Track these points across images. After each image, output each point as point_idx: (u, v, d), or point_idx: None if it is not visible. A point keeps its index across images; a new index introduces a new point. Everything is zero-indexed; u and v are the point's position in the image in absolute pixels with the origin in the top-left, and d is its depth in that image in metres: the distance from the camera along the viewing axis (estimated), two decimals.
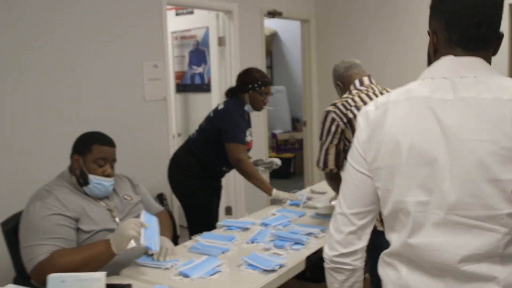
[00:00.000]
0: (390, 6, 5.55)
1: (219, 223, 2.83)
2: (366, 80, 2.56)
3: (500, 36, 1.24)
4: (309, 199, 3.27)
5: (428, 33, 1.30)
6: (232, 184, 4.86)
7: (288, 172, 7.66)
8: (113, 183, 2.40)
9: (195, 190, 3.41)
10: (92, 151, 2.33)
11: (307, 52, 6.06)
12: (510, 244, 1.13)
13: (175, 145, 4.91)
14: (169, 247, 2.37)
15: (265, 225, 2.73)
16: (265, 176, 3.97)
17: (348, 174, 1.35)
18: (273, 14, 5.23)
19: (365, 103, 2.41)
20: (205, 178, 3.42)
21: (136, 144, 3.85)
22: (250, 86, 3.31)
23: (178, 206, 4.07)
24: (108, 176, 2.35)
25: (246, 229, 2.71)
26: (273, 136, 7.81)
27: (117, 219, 2.36)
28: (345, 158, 2.38)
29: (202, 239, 2.55)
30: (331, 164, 2.43)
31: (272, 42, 8.16)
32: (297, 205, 3.12)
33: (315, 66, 6.10)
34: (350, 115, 2.38)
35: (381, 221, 1.59)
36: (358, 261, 1.36)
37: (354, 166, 1.33)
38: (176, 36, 5.38)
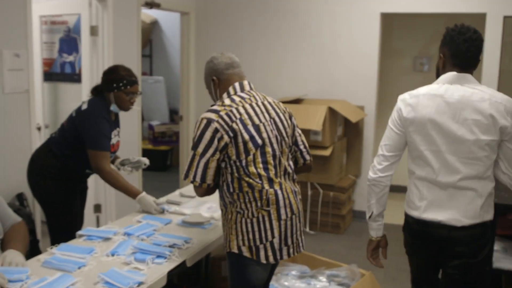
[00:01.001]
0: (265, 4, 5.64)
1: (79, 232, 2.69)
2: (246, 85, 2.40)
3: (479, 61, 2.33)
4: (177, 203, 3.22)
5: (440, 56, 2.37)
6: (101, 180, 4.65)
7: (164, 165, 7.54)
8: None
9: (56, 193, 3.21)
10: None
11: (186, 45, 5.96)
12: (486, 172, 2.26)
13: (41, 138, 4.61)
14: (13, 262, 2.21)
15: (128, 234, 2.64)
16: (134, 174, 3.82)
17: (388, 132, 2.40)
18: (150, 5, 5.07)
19: (249, 116, 2.27)
20: (67, 181, 3.23)
21: None
22: (115, 85, 3.14)
23: (39, 206, 3.82)
24: None
25: (107, 239, 2.59)
26: (150, 127, 7.63)
27: None
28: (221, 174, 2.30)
29: (58, 251, 2.40)
30: (210, 179, 2.26)
31: (152, 30, 7.93)
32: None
33: (193, 60, 6.03)
34: (236, 128, 2.22)
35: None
36: (388, 181, 2.41)
37: (393, 129, 2.38)
38: (46, 20, 5.02)
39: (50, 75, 5.11)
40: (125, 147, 4.86)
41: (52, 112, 5.15)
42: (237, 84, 2.39)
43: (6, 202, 3.54)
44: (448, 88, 2.27)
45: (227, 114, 2.25)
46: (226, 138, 2.22)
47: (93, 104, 3.17)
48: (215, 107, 2.30)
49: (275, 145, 2.33)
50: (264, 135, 2.29)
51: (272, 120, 2.36)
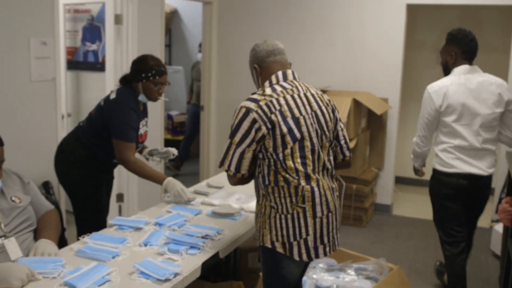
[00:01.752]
0: None
1: (110, 221, 2.67)
2: (290, 74, 2.32)
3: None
4: (205, 194, 3.19)
5: (451, 54, 3.22)
6: (124, 169, 4.63)
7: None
8: (0, 184, 2.19)
9: (84, 182, 3.20)
10: None
11: (208, 35, 5.92)
12: (495, 136, 3.23)
13: (64, 127, 4.61)
14: (52, 252, 2.20)
15: (159, 224, 2.62)
16: (154, 165, 3.79)
17: (426, 115, 3.23)
18: None
19: (290, 108, 2.19)
20: (95, 170, 3.22)
21: (20, 128, 3.54)
22: (143, 75, 3.10)
23: (65, 194, 3.81)
24: None
25: (138, 229, 2.57)
26: (169, 117, 7.61)
27: (2, 225, 2.17)
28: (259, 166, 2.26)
29: (91, 240, 2.38)
30: (245, 169, 2.22)
31: (171, 20, 7.89)
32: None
33: (215, 50, 5.99)
34: (274, 119, 2.15)
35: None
36: (428, 151, 3.40)
37: (429, 113, 3.22)
38: (69, 9, 5.00)
39: (73, 64, 5.10)
40: (148, 137, 4.86)
41: (74, 101, 5.14)
42: (280, 73, 2.32)
43: None
44: (467, 77, 3.17)
45: (266, 105, 2.18)
46: (264, 129, 2.16)
47: (121, 94, 3.13)
48: (255, 96, 2.24)
49: (315, 139, 2.26)
50: (304, 128, 2.23)
51: (313, 113, 2.29)
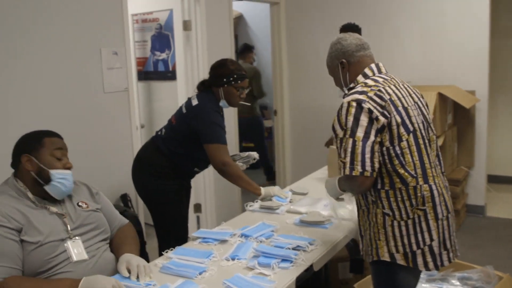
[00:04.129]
0: None
1: (193, 234, 2.50)
2: (383, 67, 2.14)
3: None
4: (303, 194, 3.04)
5: None
6: (201, 179, 4.52)
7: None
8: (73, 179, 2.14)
9: (164, 193, 3.07)
10: (44, 144, 2.08)
11: (277, 37, 5.74)
12: None
13: (139, 138, 4.54)
14: (140, 264, 2.04)
15: (246, 236, 2.42)
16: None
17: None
18: None
19: (398, 98, 2.00)
20: (176, 180, 3.08)
21: (95, 140, 3.47)
22: (225, 80, 2.99)
23: (144, 207, 3.71)
24: (69, 168, 2.10)
25: (224, 241, 2.39)
26: None
27: (69, 227, 2.06)
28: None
29: (175, 256, 2.22)
30: (377, 166, 1.93)
31: (237, 25, 7.78)
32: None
33: (285, 52, 5.79)
34: (388, 109, 1.93)
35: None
36: None
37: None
38: (137, 19, 4.96)
39: (144, 74, 5.05)
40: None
41: (146, 111, 5.09)
42: (373, 65, 2.14)
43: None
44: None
45: (376, 95, 1.97)
46: (382, 119, 1.92)
47: (204, 98, 3.02)
48: (358, 89, 2.02)
49: (424, 132, 2.04)
50: (414, 119, 2.01)
51: (416, 105, 2.08)
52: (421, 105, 2.12)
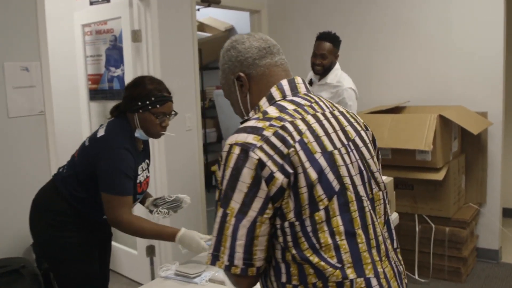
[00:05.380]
0: None
1: None
2: (301, 84, 1.41)
3: None
4: None
5: None
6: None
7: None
8: None
9: (64, 247, 2.36)
10: None
11: None
12: None
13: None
14: None
15: None
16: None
17: None
18: (208, 2, 4.17)
19: (317, 137, 1.27)
20: (80, 231, 2.37)
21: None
22: (139, 104, 2.28)
23: None
24: None
25: None
26: None
27: None
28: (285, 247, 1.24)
29: None
30: (260, 258, 1.22)
31: (228, 39, 7.08)
32: None
33: None
34: (295, 159, 1.22)
35: None
36: None
37: None
38: (90, 30, 4.30)
39: (98, 93, 4.38)
40: (184, 177, 3.99)
41: None
42: (284, 82, 1.40)
43: (18, 255, 2.79)
44: None
45: (277, 135, 1.24)
46: (280, 177, 1.20)
47: (112, 130, 2.32)
48: (251, 123, 1.28)
49: (361, 190, 1.31)
50: (343, 170, 1.28)
51: (351, 144, 1.35)
52: (361, 144, 1.38)
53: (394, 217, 2.96)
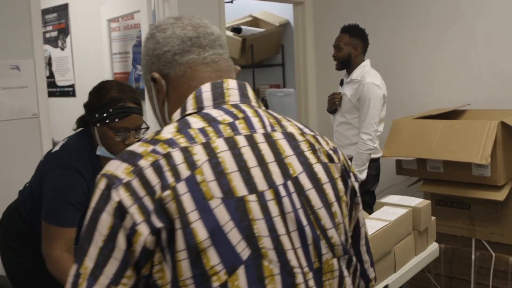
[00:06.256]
0: None
1: None
2: (234, 90, 0.99)
3: None
4: None
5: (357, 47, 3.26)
6: None
7: None
8: None
9: (23, 272, 2.08)
10: None
11: (302, 43, 4.62)
12: None
13: None
14: None
15: None
16: None
17: (378, 111, 3.33)
18: None
19: (220, 173, 0.85)
20: (40, 256, 2.07)
21: None
22: (96, 116, 1.90)
23: None
24: None
25: None
26: None
27: None
28: None
29: None
30: None
31: (283, 34, 6.68)
32: None
33: (312, 60, 4.63)
34: (170, 206, 0.81)
35: None
36: None
37: (380, 108, 3.32)
38: (118, 26, 4.05)
39: None
40: None
41: None
42: (206, 88, 0.99)
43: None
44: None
45: (156, 166, 0.85)
46: (143, 233, 0.81)
47: (67, 145, 1.97)
48: (135, 146, 0.90)
49: (293, 258, 0.88)
50: (260, 228, 0.86)
51: (292, 184, 0.92)
52: (308, 186, 0.92)
53: (432, 248, 2.44)
